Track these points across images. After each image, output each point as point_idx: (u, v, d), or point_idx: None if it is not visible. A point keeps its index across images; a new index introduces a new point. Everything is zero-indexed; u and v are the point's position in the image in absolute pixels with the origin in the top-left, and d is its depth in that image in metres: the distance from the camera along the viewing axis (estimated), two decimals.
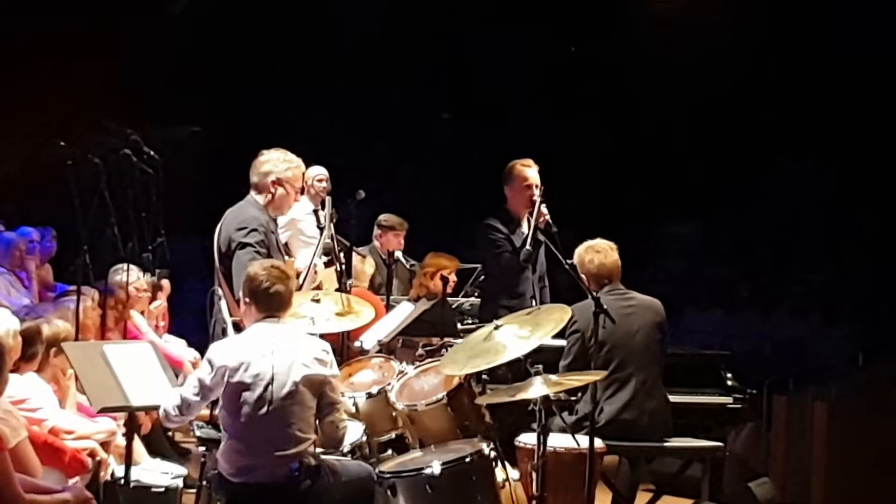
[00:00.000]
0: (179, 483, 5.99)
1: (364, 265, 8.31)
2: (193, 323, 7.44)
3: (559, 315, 5.29)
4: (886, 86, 11.00)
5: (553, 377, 5.09)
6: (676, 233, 13.15)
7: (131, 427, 5.20)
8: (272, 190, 6.16)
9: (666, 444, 6.00)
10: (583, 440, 5.31)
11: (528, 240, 6.73)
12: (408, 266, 8.83)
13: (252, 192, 6.21)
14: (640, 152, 12.37)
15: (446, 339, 6.50)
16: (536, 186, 6.94)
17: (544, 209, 6.82)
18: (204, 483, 5.14)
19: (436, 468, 4.96)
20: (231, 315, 5.54)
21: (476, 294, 8.28)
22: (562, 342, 5.93)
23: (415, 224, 9.14)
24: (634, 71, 12.35)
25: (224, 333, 5.49)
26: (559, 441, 5.39)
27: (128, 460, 5.14)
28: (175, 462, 6.53)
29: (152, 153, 7.26)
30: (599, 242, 6.18)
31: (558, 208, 6.91)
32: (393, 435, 5.73)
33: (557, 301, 6.02)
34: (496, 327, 5.26)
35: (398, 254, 8.81)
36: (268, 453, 4.77)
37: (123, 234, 6.98)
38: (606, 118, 12.46)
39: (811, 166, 12.14)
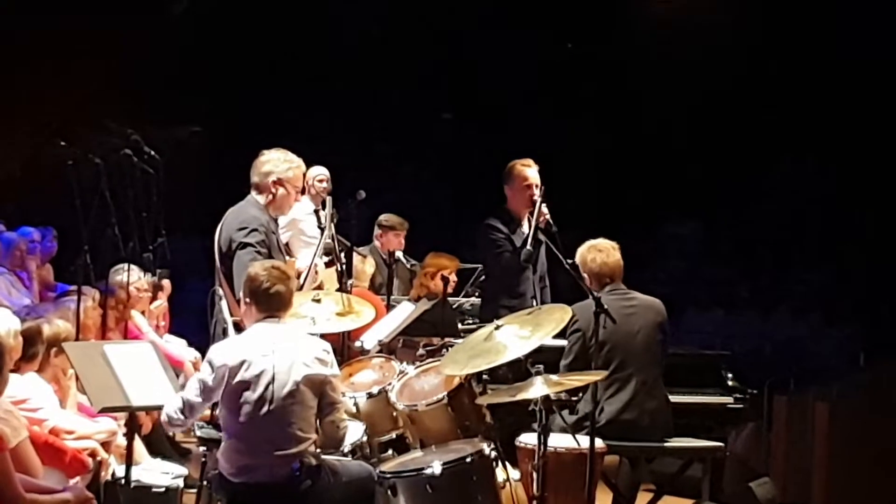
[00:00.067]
0: (180, 483, 5.99)
1: (365, 265, 8.31)
2: (194, 323, 7.45)
3: (560, 315, 5.30)
4: (886, 86, 11.01)
5: (554, 377, 5.09)
6: (677, 233, 13.17)
7: (132, 427, 5.20)
8: (273, 190, 6.15)
9: (666, 444, 6.00)
10: (583, 440, 5.31)
11: (529, 240, 6.72)
12: (408, 266, 8.83)
13: (253, 193, 6.21)
14: (640, 152, 12.38)
15: (447, 339, 6.51)
16: (537, 186, 6.93)
17: (545, 209, 6.82)
18: (204, 483, 5.14)
19: (436, 468, 4.96)
20: (232, 315, 5.54)
21: (477, 294, 8.28)
22: (562, 342, 5.93)
23: (415, 224, 9.15)
24: (634, 71, 12.36)
25: (225, 333, 5.48)
26: (560, 441, 5.39)
27: (128, 460, 5.14)
28: (176, 462, 6.53)
29: (153, 153, 7.26)
30: (602, 242, 6.17)
31: (558, 208, 6.91)
32: (393, 435, 5.73)
33: (558, 301, 6.02)
34: (497, 327, 5.26)
35: (399, 254, 8.82)
36: (268, 453, 4.77)
37: (124, 234, 6.98)
38: (606, 118, 12.47)
39: (811, 166, 12.16)
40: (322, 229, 6.52)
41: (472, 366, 5.26)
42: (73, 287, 6.84)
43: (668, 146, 12.26)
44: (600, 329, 5.56)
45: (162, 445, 6.91)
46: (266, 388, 4.79)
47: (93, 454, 5.45)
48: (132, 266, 7.19)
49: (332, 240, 6.48)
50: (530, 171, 7.00)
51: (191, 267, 8.94)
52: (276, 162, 6.17)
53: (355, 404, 5.67)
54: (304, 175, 6.48)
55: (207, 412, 5.07)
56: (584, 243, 6.19)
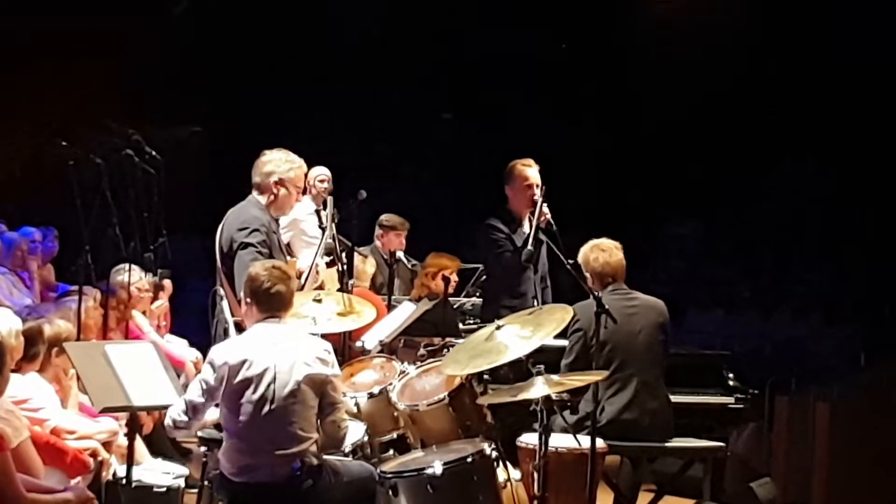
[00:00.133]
0: (181, 483, 5.98)
1: (366, 265, 8.31)
2: (195, 323, 7.45)
3: (561, 315, 5.29)
4: (886, 86, 11.02)
5: (555, 377, 5.08)
6: (677, 233, 13.19)
7: (133, 427, 5.18)
8: (274, 190, 6.15)
9: (667, 444, 6.00)
10: (584, 440, 5.31)
11: (530, 239, 6.72)
12: (409, 266, 8.83)
13: (254, 193, 6.20)
14: (640, 152, 12.38)
15: (448, 340, 6.50)
16: (537, 186, 6.93)
17: (545, 209, 6.82)
18: (205, 483, 5.15)
19: (437, 468, 4.95)
20: (233, 315, 5.54)
21: (478, 294, 8.29)
22: (563, 342, 5.93)
23: (416, 224, 9.15)
24: (634, 71, 12.36)
25: (226, 334, 5.48)
26: (561, 441, 5.39)
27: (129, 460, 5.13)
28: (177, 462, 6.54)
29: (154, 153, 7.26)
30: (605, 241, 6.17)
31: (559, 208, 6.91)
32: (394, 435, 5.72)
33: (559, 301, 6.03)
34: (498, 327, 5.26)
35: (400, 254, 8.81)
36: (269, 453, 4.77)
37: (125, 233, 6.97)
38: (606, 118, 12.48)
39: (811, 166, 12.17)
40: (323, 229, 6.52)
41: (473, 366, 5.26)
42: (75, 287, 6.85)
43: (668, 146, 12.26)
44: (601, 329, 5.56)
45: (163, 445, 6.91)
46: (267, 387, 4.79)
47: (94, 454, 5.45)
48: (133, 266, 7.19)
49: (334, 240, 6.47)
50: (531, 170, 7.00)
51: (192, 267, 8.95)
52: (278, 162, 6.17)
53: (356, 404, 5.67)
54: (306, 175, 6.48)
55: (215, 416, 5.02)
56: (588, 242, 6.19)
